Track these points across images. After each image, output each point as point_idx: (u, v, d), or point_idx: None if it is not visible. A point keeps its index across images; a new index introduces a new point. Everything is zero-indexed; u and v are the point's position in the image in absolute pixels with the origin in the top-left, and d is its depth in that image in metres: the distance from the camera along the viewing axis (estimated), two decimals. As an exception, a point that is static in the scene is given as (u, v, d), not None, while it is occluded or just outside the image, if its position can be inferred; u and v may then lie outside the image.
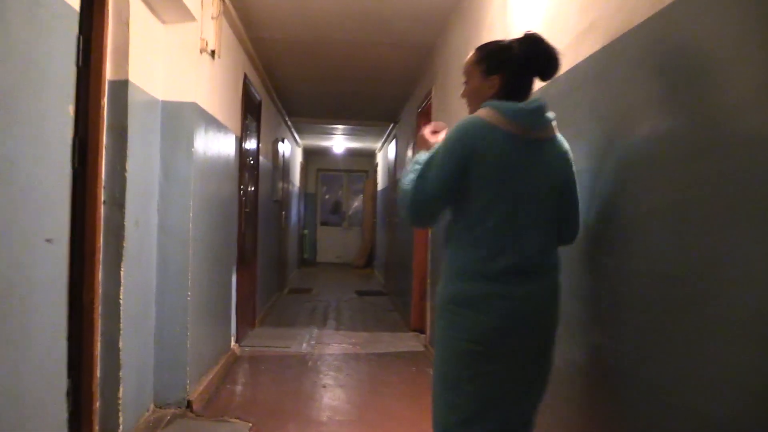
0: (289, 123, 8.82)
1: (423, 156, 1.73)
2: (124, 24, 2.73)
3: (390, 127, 8.94)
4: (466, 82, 1.79)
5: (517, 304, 1.63)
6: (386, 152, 10.09)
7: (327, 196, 15.04)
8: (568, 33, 2.19)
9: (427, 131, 1.86)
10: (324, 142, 12.24)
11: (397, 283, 7.71)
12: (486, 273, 1.62)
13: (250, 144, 5.34)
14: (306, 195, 13.71)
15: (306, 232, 13.67)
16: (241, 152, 4.79)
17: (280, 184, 7.84)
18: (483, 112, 1.65)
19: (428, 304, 5.00)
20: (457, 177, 1.61)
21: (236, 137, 4.58)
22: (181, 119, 3.23)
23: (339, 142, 12.19)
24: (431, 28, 4.54)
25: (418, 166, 1.70)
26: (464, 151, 1.60)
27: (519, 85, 1.70)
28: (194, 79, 3.27)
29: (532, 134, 1.66)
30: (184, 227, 3.22)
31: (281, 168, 7.97)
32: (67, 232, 1.77)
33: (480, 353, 1.62)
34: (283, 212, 8.51)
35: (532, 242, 1.66)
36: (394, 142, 8.63)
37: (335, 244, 14.45)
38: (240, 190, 4.78)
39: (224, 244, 4.23)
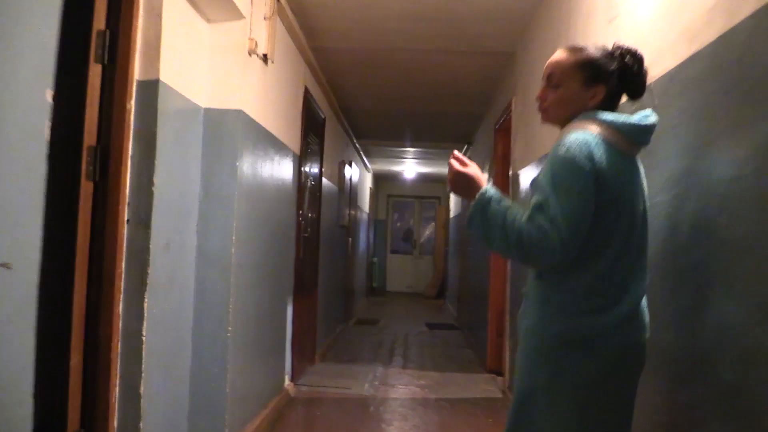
0: (357, 146, 8.46)
1: (491, 189, 1.49)
2: (156, 16, 2.37)
3: (463, 149, 8.41)
4: (555, 86, 1.53)
5: (632, 347, 1.46)
6: (459, 176, 9.54)
7: (398, 224, 14.58)
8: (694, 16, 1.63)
9: (459, 164, 1.55)
10: (394, 167, 11.86)
11: (470, 317, 7.09)
12: (599, 310, 1.42)
13: (312, 164, 4.96)
14: (376, 222, 13.31)
15: (375, 259, 13.24)
16: (301, 172, 4.40)
17: (346, 210, 7.45)
18: (595, 128, 1.44)
19: (507, 343, 4.38)
20: (593, 200, 1.38)
21: (294, 155, 4.19)
22: (224, 128, 2.84)
23: (410, 166, 11.78)
24: (511, 29, 4.02)
25: (507, 202, 1.46)
26: (593, 170, 1.38)
27: (616, 99, 1.54)
28: (240, 83, 2.89)
29: (635, 151, 1.51)
30: (225, 252, 2.81)
31: (348, 192, 7.59)
32: (39, 253, 1.34)
33: (584, 402, 1.42)
34: (350, 239, 8.10)
35: (643, 278, 1.49)
36: (467, 165, 8.09)
37: (405, 273, 13.94)
38: (298, 213, 4.38)
39: (277, 271, 3.81)
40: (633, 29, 2.13)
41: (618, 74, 1.49)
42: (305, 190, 4.64)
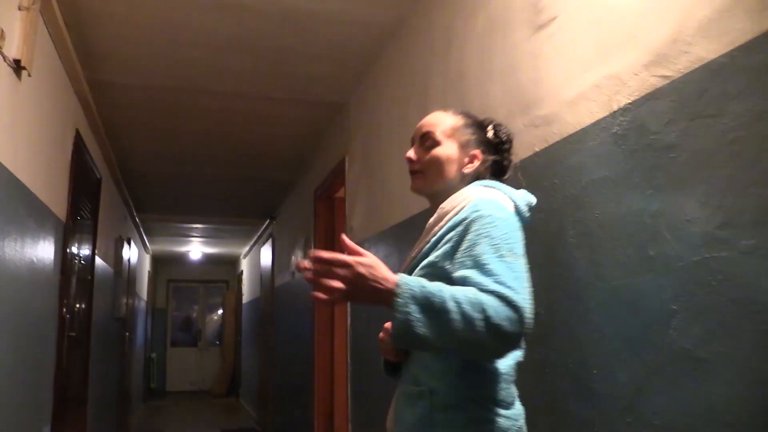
0: (137, 220, 7.11)
1: (402, 275, 1.10)
2: None
3: (264, 226, 7.54)
4: (431, 146, 1.36)
5: None
6: (257, 256, 8.60)
7: (176, 312, 12.84)
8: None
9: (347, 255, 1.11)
10: (177, 247, 10.46)
11: (282, 419, 6.03)
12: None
13: (83, 239, 3.71)
14: (154, 311, 11.55)
15: (154, 355, 11.37)
16: (67, 248, 3.17)
17: (123, 298, 6.02)
18: (499, 196, 1.25)
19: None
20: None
21: (58, 222, 2.98)
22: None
23: (195, 246, 10.49)
24: (347, 74, 3.41)
25: (461, 294, 1.03)
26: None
27: (492, 172, 1.39)
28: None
29: None
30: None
31: (126, 276, 6.18)
32: None
33: None
34: (127, 333, 6.59)
35: None
36: (269, 242, 7.21)
37: (189, 367, 12.21)
38: (62, 304, 3.11)
39: (27, 393, 2.52)
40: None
41: (491, 146, 1.39)
42: (72, 273, 3.38)
